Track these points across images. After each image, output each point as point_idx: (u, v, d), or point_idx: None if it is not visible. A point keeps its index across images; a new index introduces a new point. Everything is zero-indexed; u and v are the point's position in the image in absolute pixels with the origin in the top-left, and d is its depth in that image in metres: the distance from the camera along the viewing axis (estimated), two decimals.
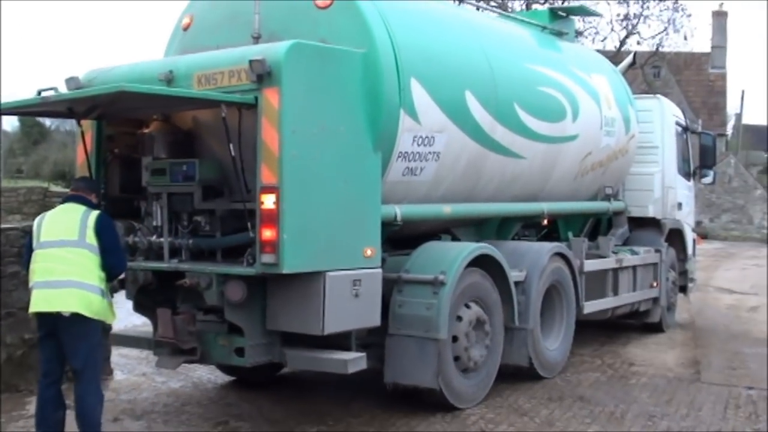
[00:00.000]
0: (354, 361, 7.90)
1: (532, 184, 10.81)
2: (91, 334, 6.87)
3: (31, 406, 7.67)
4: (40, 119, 61.65)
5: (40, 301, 6.81)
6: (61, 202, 7.30)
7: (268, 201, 7.26)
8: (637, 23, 34.57)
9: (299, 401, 9.31)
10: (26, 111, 9.32)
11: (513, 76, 10.16)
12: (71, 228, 6.87)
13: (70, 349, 6.88)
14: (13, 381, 9.10)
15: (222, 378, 10.21)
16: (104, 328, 7.11)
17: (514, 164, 10.20)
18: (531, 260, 10.09)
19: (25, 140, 67.86)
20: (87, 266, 6.81)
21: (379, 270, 8.17)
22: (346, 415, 8.74)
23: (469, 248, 9.05)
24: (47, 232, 6.93)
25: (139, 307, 8.69)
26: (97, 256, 6.86)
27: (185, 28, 9.27)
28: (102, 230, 6.91)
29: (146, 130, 8.56)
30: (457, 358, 8.78)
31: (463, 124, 9.19)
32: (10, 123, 67.61)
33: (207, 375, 10.36)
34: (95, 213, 6.99)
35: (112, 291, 8.03)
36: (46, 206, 7.37)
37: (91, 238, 6.84)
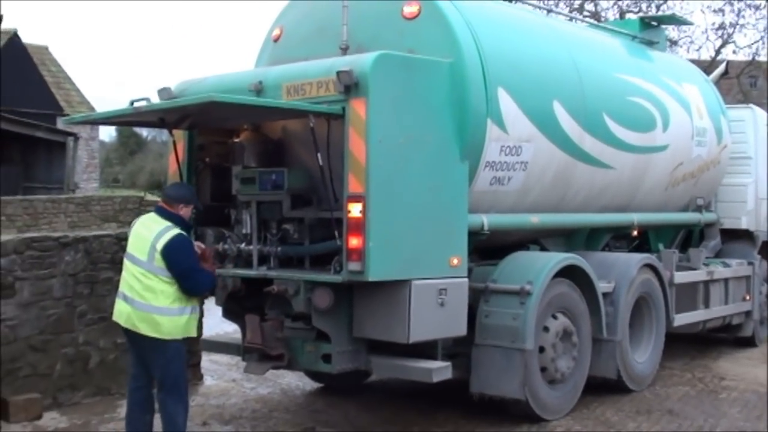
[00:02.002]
0: (439, 370, 7.89)
1: (622, 195, 10.70)
2: (163, 350, 6.92)
3: (122, 409, 7.84)
4: (137, 130, 63.04)
5: (117, 313, 7.07)
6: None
7: (355, 210, 7.32)
8: (733, 32, 33.97)
9: (385, 409, 9.36)
10: (120, 121, 9.56)
11: (602, 85, 10.09)
12: (143, 248, 6.90)
13: (148, 360, 7.04)
14: (106, 384, 9.32)
15: (310, 385, 10.31)
16: (187, 339, 7.17)
17: (603, 174, 10.11)
18: (619, 271, 9.98)
19: (121, 150, 69.47)
20: (156, 289, 6.83)
21: (466, 279, 8.17)
22: (431, 425, 8.75)
23: (556, 258, 9.00)
24: (131, 244, 7.06)
25: (228, 314, 8.81)
26: (169, 278, 6.85)
27: (275, 40, 9.42)
28: (169, 256, 6.83)
29: (236, 140, 8.70)
30: (543, 369, 8.73)
31: (551, 133, 9.15)
32: (108, 133, 69.38)
33: (295, 381, 10.47)
34: (167, 236, 6.87)
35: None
36: (141, 215, 7.48)
37: (159, 261, 6.83)
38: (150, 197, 28.42)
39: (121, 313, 6.99)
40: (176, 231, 6.95)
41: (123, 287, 7.02)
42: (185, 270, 6.92)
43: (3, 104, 26.69)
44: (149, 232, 6.97)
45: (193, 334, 7.18)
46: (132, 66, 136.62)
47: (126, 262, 7.07)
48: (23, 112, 27.54)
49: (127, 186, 58.90)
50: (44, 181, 27.43)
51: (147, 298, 6.83)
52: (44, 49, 36.82)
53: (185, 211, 7.21)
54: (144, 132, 68.60)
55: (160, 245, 6.84)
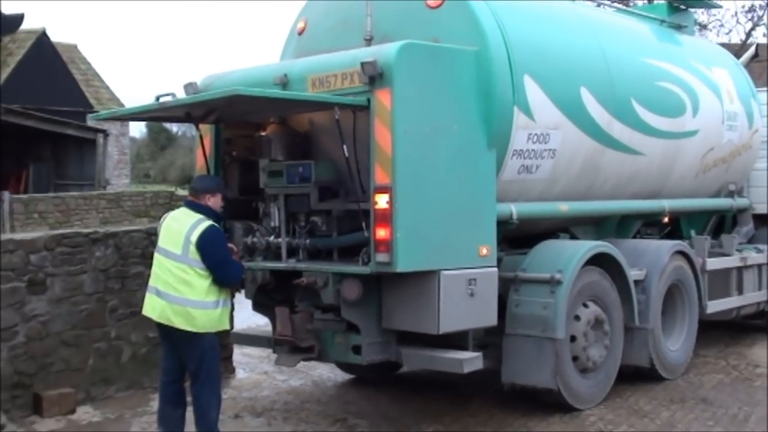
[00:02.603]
0: (470, 360, 7.85)
1: (652, 181, 10.61)
2: (199, 343, 6.93)
3: (155, 403, 7.89)
4: (167, 125, 63.30)
5: (149, 308, 7.06)
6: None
7: (382, 201, 7.30)
8: (763, 14, 33.57)
9: (417, 400, 9.34)
10: (147, 116, 9.60)
11: (630, 71, 10.00)
12: (177, 241, 6.91)
13: (182, 354, 7.06)
14: (138, 378, 9.38)
15: (341, 376, 10.32)
16: (220, 332, 7.18)
17: (633, 161, 10.03)
18: (651, 259, 9.90)
19: (152, 145, 69.78)
20: (190, 282, 6.84)
21: (495, 269, 8.12)
22: (463, 415, 8.73)
23: (586, 246, 8.94)
24: (163, 238, 7.07)
25: (258, 306, 8.82)
26: (204, 270, 6.87)
27: (300, 32, 9.41)
28: (204, 247, 6.84)
29: (263, 133, 8.70)
30: (575, 358, 8.68)
31: (579, 120, 9.08)
32: (138, 129, 69.69)
33: (327, 373, 10.49)
34: (200, 228, 6.89)
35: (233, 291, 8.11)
36: (172, 210, 7.51)
37: (194, 253, 6.84)
38: (181, 192, 28.53)
39: (154, 307, 6.99)
40: (209, 222, 6.98)
41: (155, 282, 7.02)
42: (219, 261, 6.95)
43: (33, 103, 26.91)
44: (182, 226, 6.98)
45: (227, 326, 7.20)
46: (160, 62, 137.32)
47: (158, 257, 7.07)
48: (53, 110, 27.72)
49: (158, 181, 59.19)
50: (75, 178, 27.59)
51: (182, 292, 6.84)
52: (73, 48, 36.99)
53: (213, 201, 7.22)
54: (174, 127, 68.85)
55: (194, 237, 6.86)
